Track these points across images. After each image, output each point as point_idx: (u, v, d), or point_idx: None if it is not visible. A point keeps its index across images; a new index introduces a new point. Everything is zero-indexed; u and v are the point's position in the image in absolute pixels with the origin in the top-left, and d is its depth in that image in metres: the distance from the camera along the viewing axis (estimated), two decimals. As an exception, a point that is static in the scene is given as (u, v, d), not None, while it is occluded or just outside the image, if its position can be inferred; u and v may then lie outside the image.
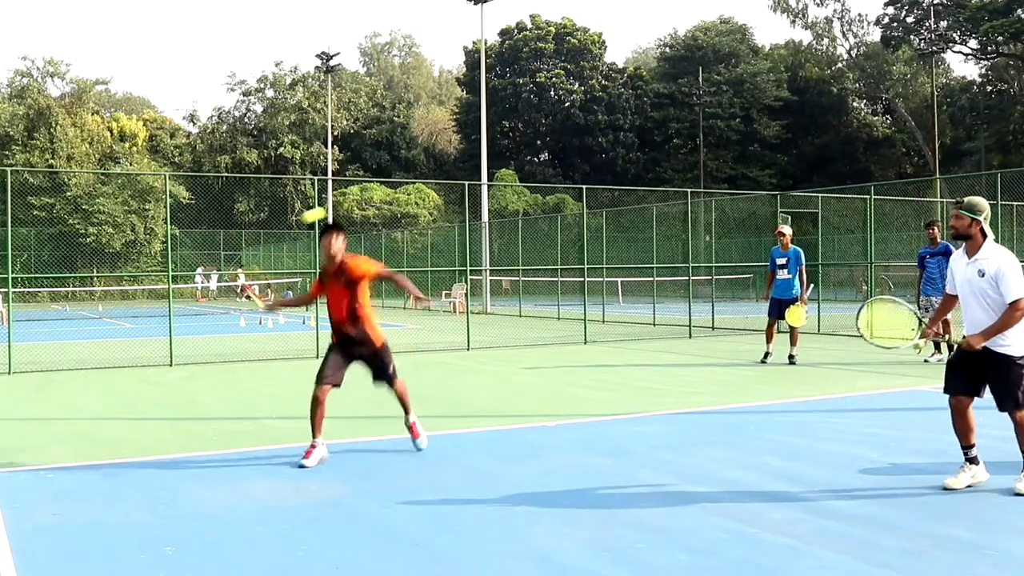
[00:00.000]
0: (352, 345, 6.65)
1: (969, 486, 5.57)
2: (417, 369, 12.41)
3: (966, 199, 5.57)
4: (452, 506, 5.37)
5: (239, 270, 45.72)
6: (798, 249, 13.34)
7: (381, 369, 6.73)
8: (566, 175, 60.16)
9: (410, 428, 6.91)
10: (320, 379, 6.56)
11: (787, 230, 13.48)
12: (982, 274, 5.45)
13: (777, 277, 13.22)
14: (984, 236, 5.53)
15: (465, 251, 19.64)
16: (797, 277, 13.13)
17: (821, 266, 21.44)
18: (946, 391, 5.77)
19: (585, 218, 20.05)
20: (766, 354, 13.10)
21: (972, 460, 5.65)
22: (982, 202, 5.52)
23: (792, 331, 13.22)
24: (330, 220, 6.81)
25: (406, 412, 6.91)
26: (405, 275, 7.04)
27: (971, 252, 5.54)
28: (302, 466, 6.35)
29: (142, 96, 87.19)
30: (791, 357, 13.00)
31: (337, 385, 6.63)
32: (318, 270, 7.02)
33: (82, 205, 45.03)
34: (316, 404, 6.53)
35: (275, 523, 5.02)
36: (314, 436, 6.52)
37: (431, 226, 47.08)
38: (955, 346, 5.77)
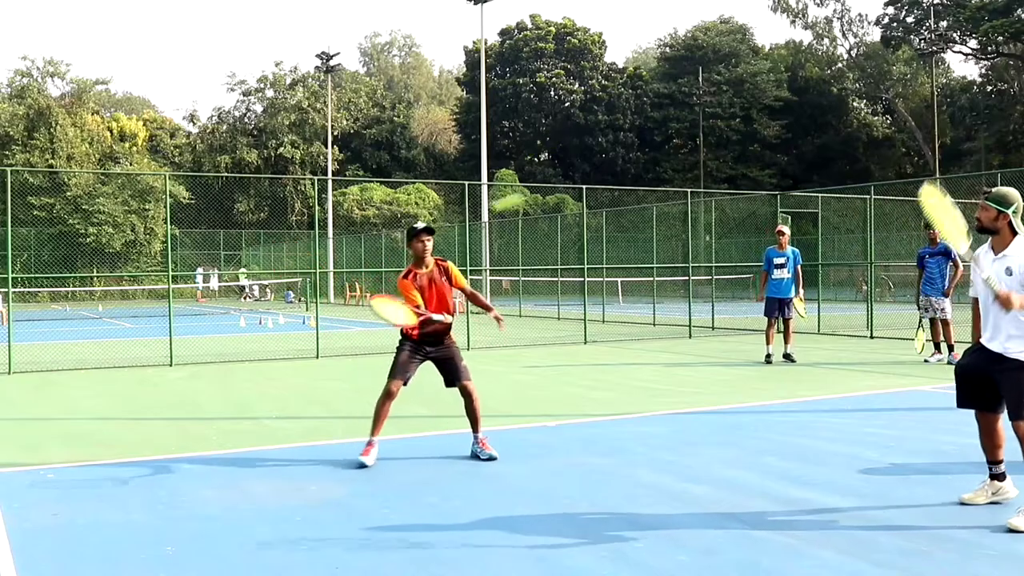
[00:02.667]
0: (432, 345, 6.61)
1: (991, 504, 5.13)
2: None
3: (994, 189, 4.99)
4: (452, 506, 5.36)
5: (242, 270, 45.71)
6: (796, 249, 13.44)
7: (457, 368, 6.65)
8: (566, 175, 60.16)
9: (480, 443, 6.69)
10: (394, 373, 6.51)
11: (787, 229, 13.59)
12: (1010, 272, 4.85)
13: (774, 277, 13.27)
14: (1013, 233, 4.90)
15: (465, 251, 19.64)
16: (794, 277, 13.25)
17: (821, 266, 21.43)
18: (958, 404, 5.22)
19: (585, 218, 20.05)
20: (768, 356, 13.11)
21: (997, 476, 5.15)
22: (1012, 194, 4.93)
23: (786, 330, 13.29)
24: (418, 224, 6.78)
25: (475, 428, 6.72)
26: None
27: (997, 248, 4.94)
28: (363, 464, 6.31)
29: (142, 96, 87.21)
30: (788, 356, 13.05)
31: (406, 383, 6.58)
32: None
33: (82, 205, 45.04)
34: (387, 397, 6.48)
35: (275, 523, 5.02)
36: (373, 433, 6.49)
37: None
38: (953, 348, 5.49)
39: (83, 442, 7.59)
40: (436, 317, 6.45)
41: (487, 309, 6.82)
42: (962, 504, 5.16)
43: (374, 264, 38.29)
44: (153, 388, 11.16)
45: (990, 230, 4.96)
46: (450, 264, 6.76)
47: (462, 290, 6.81)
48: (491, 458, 6.58)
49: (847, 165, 59.64)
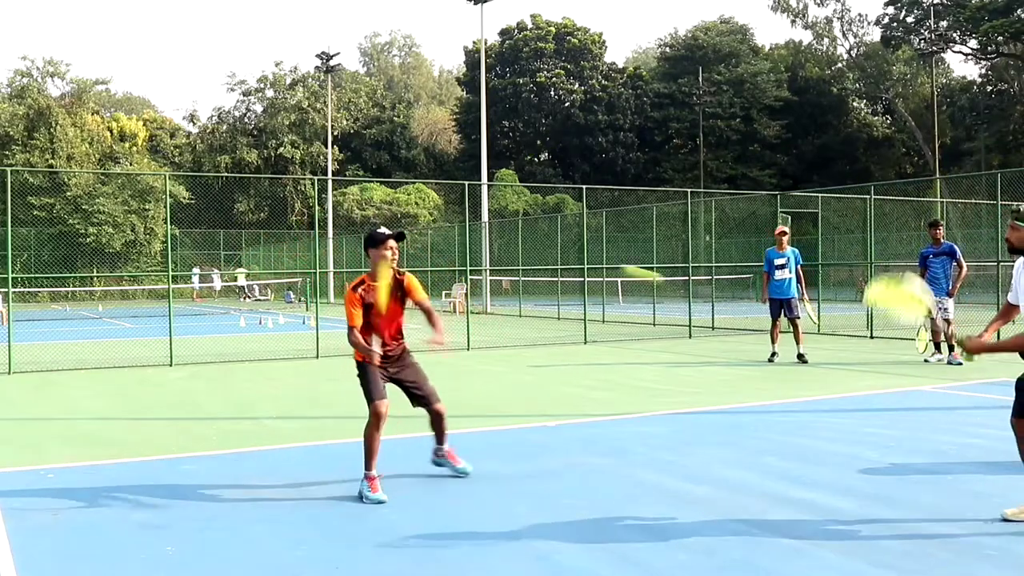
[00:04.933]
0: (392, 366, 5.88)
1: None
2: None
3: (1022, 207, 4.90)
4: (452, 506, 5.37)
5: (239, 270, 45.70)
6: (795, 249, 13.44)
7: (423, 390, 5.95)
8: (566, 175, 60.17)
9: (447, 455, 6.18)
10: (376, 394, 5.66)
11: (787, 230, 13.60)
12: None
13: (776, 278, 13.25)
14: None
15: (465, 251, 19.65)
16: (795, 277, 13.22)
17: (821, 266, 21.43)
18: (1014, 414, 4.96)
19: (585, 218, 20.04)
20: (773, 354, 13.11)
21: None
22: None
23: (795, 330, 13.23)
24: (384, 230, 5.82)
25: (440, 440, 6.15)
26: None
27: None
28: (379, 501, 5.45)
29: (142, 96, 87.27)
30: (801, 356, 13.01)
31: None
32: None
33: (82, 205, 45.03)
34: (379, 422, 5.62)
35: (275, 523, 5.02)
36: (370, 467, 5.62)
37: (431, 226, 47.06)
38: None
39: (83, 442, 7.59)
40: (369, 350, 5.64)
41: (434, 327, 5.83)
42: (1004, 520, 4.87)
43: (374, 264, 38.17)
44: (153, 388, 11.16)
45: (1022, 250, 4.93)
46: (410, 276, 5.87)
47: (419, 305, 5.87)
48: (463, 471, 6.09)
49: (847, 165, 59.66)
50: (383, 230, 5.84)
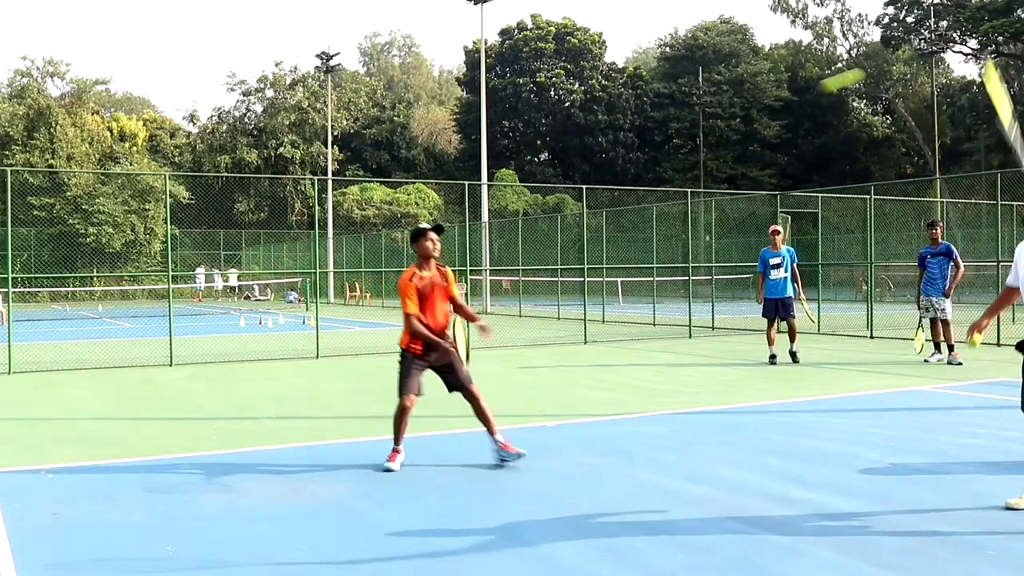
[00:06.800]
0: (433, 352, 6.39)
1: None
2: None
3: None
4: (452, 506, 5.37)
5: (232, 270, 45.68)
6: (791, 248, 13.42)
7: (457, 374, 6.48)
8: (566, 175, 60.16)
9: (503, 447, 6.48)
10: (407, 390, 6.32)
11: (781, 229, 13.58)
12: None
13: (771, 277, 13.21)
14: None
15: (465, 251, 19.64)
16: (791, 276, 13.20)
17: (821, 266, 21.43)
18: None
19: (585, 218, 20.03)
20: (772, 356, 13.05)
21: None
22: None
23: (790, 329, 13.22)
24: (423, 224, 6.74)
25: (491, 430, 6.52)
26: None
27: None
28: (388, 469, 6.19)
29: (142, 96, 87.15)
30: (793, 354, 13.00)
31: (419, 394, 6.42)
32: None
33: (82, 205, 44.99)
34: (404, 413, 6.35)
35: (275, 523, 5.02)
36: (397, 443, 6.38)
37: (431, 226, 46.88)
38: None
39: (83, 442, 7.59)
40: (436, 340, 6.25)
41: (472, 319, 6.58)
42: (1007, 508, 4.97)
43: (374, 264, 38.30)
44: (153, 388, 11.16)
45: None
46: (449, 271, 6.55)
47: (452, 300, 6.54)
48: (519, 456, 6.44)
49: (847, 165, 59.66)
50: (424, 224, 6.41)
